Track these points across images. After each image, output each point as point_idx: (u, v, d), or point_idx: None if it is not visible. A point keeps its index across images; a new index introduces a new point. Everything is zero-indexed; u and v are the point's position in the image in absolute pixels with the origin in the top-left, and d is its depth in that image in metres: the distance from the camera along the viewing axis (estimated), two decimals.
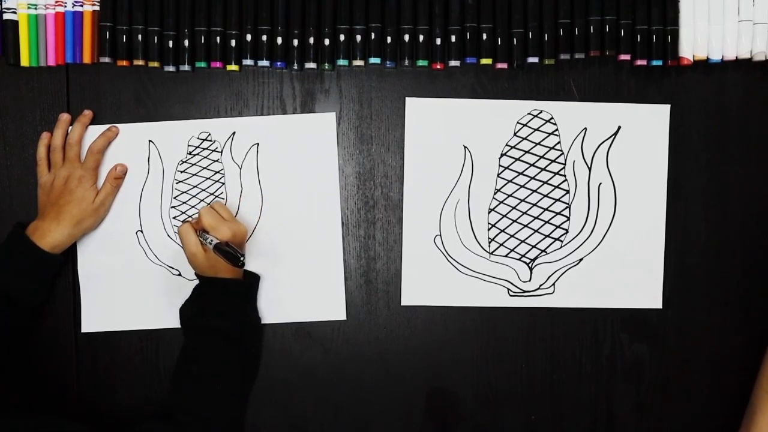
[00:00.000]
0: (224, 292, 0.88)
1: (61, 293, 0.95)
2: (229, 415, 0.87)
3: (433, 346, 0.95)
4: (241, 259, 0.83)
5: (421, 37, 0.90)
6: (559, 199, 0.94)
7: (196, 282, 0.91)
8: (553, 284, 0.94)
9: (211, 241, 0.84)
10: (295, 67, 0.92)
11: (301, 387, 0.95)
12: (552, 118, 0.93)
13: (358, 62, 0.91)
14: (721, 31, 0.90)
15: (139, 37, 0.91)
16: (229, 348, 0.87)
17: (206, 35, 0.91)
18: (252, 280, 0.92)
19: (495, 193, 0.94)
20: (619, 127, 0.93)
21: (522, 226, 0.94)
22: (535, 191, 0.94)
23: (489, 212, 0.94)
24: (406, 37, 0.90)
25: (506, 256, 0.94)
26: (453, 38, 0.90)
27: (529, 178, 0.94)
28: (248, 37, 0.91)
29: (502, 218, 0.94)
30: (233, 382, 0.88)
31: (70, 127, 0.93)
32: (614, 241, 0.94)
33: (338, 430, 0.95)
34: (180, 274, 0.95)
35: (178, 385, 0.87)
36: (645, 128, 0.93)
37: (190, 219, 0.92)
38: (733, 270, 0.94)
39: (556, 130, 0.93)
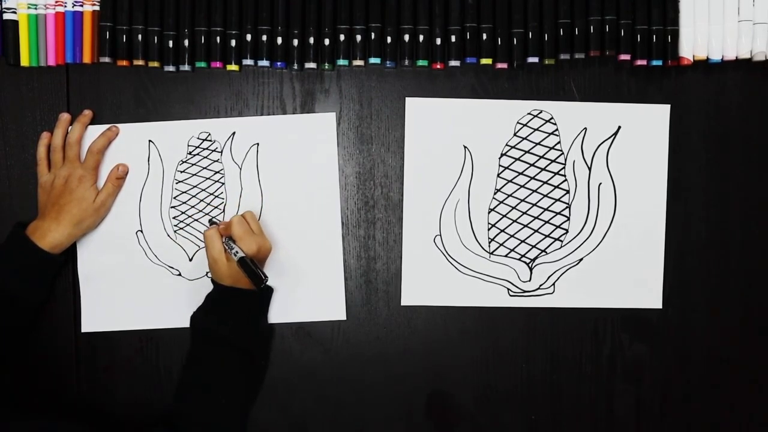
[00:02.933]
0: (239, 303, 0.87)
1: (61, 293, 0.95)
2: (232, 424, 0.87)
3: (433, 346, 0.95)
4: (264, 280, 0.83)
5: (421, 37, 0.90)
6: (559, 199, 0.94)
7: (197, 282, 0.92)
8: (553, 284, 0.94)
9: (237, 252, 0.84)
10: (295, 67, 0.92)
11: (301, 387, 0.95)
12: (552, 118, 0.93)
13: (358, 62, 0.91)
14: (721, 31, 0.90)
15: (139, 37, 0.91)
16: (238, 359, 0.87)
17: (206, 35, 0.91)
18: (265, 293, 0.92)
19: (495, 193, 0.94)
20: (619, 127, 0.93)
21: (522, 226, 0.94)
22: (535, 191, 0.94)
23: (489, 212, 0.94)
24: (406, 37, 0.90)
25: (506, 256, 0.94)
26: (453, 38, 0.90)
27: (529, 178, 0.94)
28: (248, 37, 0.91)
29: (502, 218, 0.94)
30: (239, 392, 0.88)
31: (70, 127, 0.93)
32: (614, 241, 0.94)
33: (338, 430, 0.95)
34: (180, 274, 0.95)
35: (183, 393, 0.87)
36: (645, 128, 0.93)
37: (217, 223, 0.91)
38: (733, 270, 0.94)
39: (556, 130, 0.93)
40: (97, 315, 0.95)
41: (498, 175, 0.94)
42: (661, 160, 0.93)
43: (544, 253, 0.94)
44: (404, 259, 0.94)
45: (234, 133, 0.94)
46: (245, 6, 0.91)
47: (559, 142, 0.93)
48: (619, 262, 0.94)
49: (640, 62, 0.91)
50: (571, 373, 0.95)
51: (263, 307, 0.92)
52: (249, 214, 0.90)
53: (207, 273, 0.93)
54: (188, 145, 0.94)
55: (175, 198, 0.95)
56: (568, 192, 0.94)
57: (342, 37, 0.91)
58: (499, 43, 0.90)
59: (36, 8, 0.92)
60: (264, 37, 0.91)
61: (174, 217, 0.95)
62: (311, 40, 0.91)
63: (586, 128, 0.93)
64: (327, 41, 0.91)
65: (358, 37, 0.91)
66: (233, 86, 0.94)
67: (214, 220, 0.94)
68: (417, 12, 0.90)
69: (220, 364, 0.86)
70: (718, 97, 0.93)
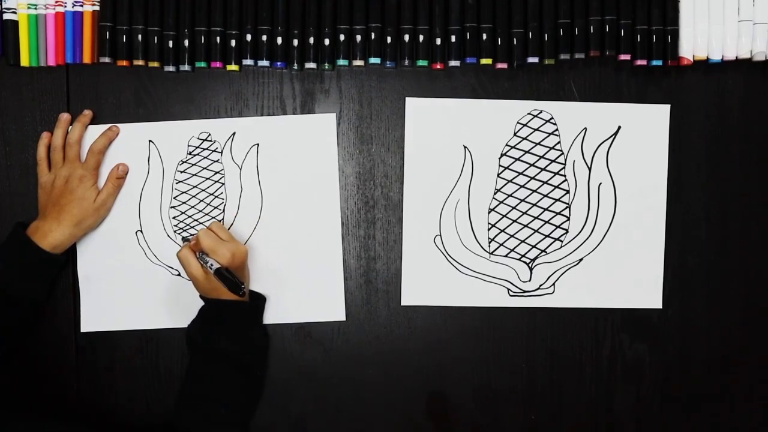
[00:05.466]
0: (229, 315, 0.87)
1: (61, 293, 0.95)
2: None
3: (433, 346, 0.95)
4: (242, 287, 0.82)
5: (421, 37, 0.90)
6: (559, 199, 0.94)
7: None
8: (553, 284, 0.94)
9: (212, 265, 0.84)
10: (295, 67, 0.92)
11: (301, 387, 0.95)
12: (552, 118, 0.93)
13: (358, 62, 0.91)
14: (721, 31, 0.90)
15: (139, 37, 0.91)
16: (234, 372, 0.87)
17: (206, 35, 0.91)
18: (257, 302, 0.92)
19: (495, 193, 0.94)
20: (619, 127, 0.93)
21: (522, 226, 0.94)
22: (535, 191, 0.94)
23: (489, 212, 0.94)
24: (406, 37, 0.90)
25: (506, 256, 0.94)
26: (453, 38, 0.90)
27: (529, 178, 0.94)
28: (248, 37, 0.91)
29: (502, 218, 0.94)
30: (238, 403, 0.88)
31: (70, 127, 0.93)
32: (614, 241, 0.94)
33: (338, 430, 0.95)
34: (179, 274, 0.95)
35: (182, 405, 0.87)
36: (645, 128, 0.93)
37: (188, 241, 0.91)
38: (733, 270, 0.94)
39: (556, 130, 0.93)
40: (97, 315, 0.95)
41: (498, 175, 0.94)
42: (661, 160, 0.93)
43: (544, 253, 0.94)
44: (404, 259, 0.94)
45: (234, 134, 0.94)
46: (245, 6, 0.91)
47: (559, 142, 0.93)
48: (619, 262, 0.94)
49: (640, 62, 0.91)
50: (571, 373, 0.95)
51: (257, 318, 0.92)
52: (215, 224, 0.90)
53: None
54: (188, 145, 0.94)
55: (175, 198, 0.95)
56: (568, 192, 0.94)
57: (342, 37, 0.91)
58: (499, 43, 0.90)
59: (36, 8, 0.92)
60: (264, 37, 0.91)
61: (174, 217, 0.95)
62: (311, 40, 0.91)
63: (586, 128, 0.93)
64: (327, 41, 0.91)
65: (358, 37, 0.91)
66: (233, 86, 0.94)
67: (186, 237, 0.94)
68: (417, 12, 0.90)
69: (217, 377, 0.86)
70: (718, 97, 0.93)
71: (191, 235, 0.94)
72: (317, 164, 0.94)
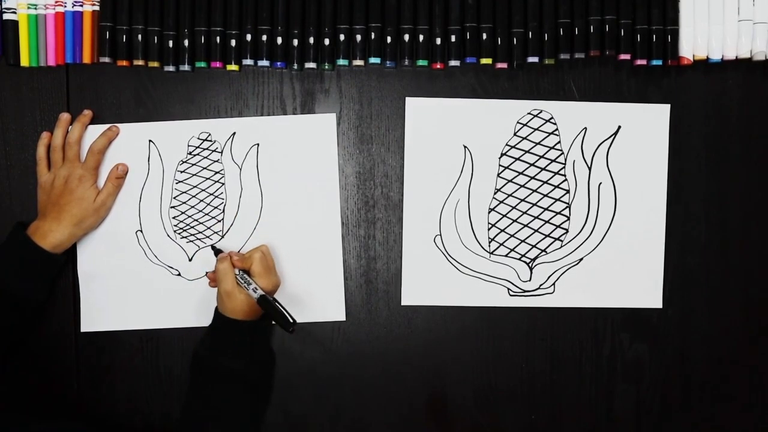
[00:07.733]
0: (245, 335, 0.86)
1: (61, 293, 0.95)
2: None
3: (433, 346, 0.95)
4: (293, 324, 0.83)
5: (421, 37, 0.90)
6: (559, 199, 0.94)
7: (196, 282, 0.92)
8: (553, 284, 0.94)
9: (255, 288, 0.84)
10: (295, 67, 0.92)
11: (301, 387, 0.95)
12: (552, 117, 0.93)
13: (358, 62, 0.91)
14: (721, 31, 0.90)
15: (139, 37, 0.91)
16: (243, 392, 0.86)
17: (206, 35, 0.91)
18: (267, 321, 0.91)
19: (495, 193, 0.94)
20: (619, 127, 0.93)
21: (522, 226, 0.94)
22: (535, 191, 0.94)
23: (489, 212, 0.94)
24: (406, 37, 0.90)
25: (506, 255, 0.94)
26: (453, 38, 0.90)
27: (529, 178, 0.94)
28: (248, 37, 0.91)
29: (502, 218, 0.94)
30: (246, 422, 0.87)
31: (70, 127, 0.93)
32: (614, 241, 0.94)
33: (338, 430, 0.95)
34: (179, 274, 0.95)
35: (188, 423, 0.86)
36: (645, 128, 0.93)
37: (222, 251, 0.90)
38: (733, 270, 0.94)
39: (556, 129, 0.93)
40: (97, 315, 0.95)
41: (498, 175, 0.94)
42: (661, 160, 0.93)
43: (544, 253, 0.94)
44: (404, 259, 0.94)
45: (234, 134, 0.94)
46: (245, 6, 0.91)
47: (559, 142, 0.93)
48: (619, 262, 0.94)
49: (640, 62, 0.91)
50: (571, 373, 0.95)
51: (266, 335, 0.92)
52: (266, 248, 0.89)
53: (207, 273, 0.93)
54: (188, 145, 0.94)
55: (175, 198, 0.95)
56: (568, 192, 0.94)
57: (342, 37, 0.91)
58: (499, 43, 0.90)
59: (36, 8, 0.92)
60: (264, 37, 0.91)
61: (174, 217, 0.95)
62: (311, 40, 0.91)
63: (586, 128, 0.93)
64: (327, 41, 0.91)
65: (358, 37, 0.91)
66: (233, 86, 0.94)
67: (217, 247, 0.92)
68: (417, 12, 0.90)
69: (225, 398, 0.85)
70: (718, 97, 0.93)
71: (191, 235, 0.94)
72: (317, 164, 0.94)
